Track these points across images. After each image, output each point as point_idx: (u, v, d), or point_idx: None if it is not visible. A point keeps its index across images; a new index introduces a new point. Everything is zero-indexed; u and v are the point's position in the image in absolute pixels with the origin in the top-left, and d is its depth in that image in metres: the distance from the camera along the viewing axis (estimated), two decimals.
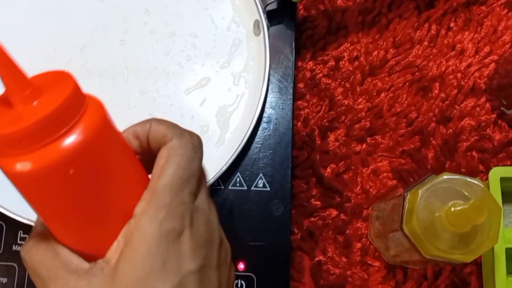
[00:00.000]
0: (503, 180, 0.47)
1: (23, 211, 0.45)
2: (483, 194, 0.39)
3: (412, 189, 0.43)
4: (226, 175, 0.49)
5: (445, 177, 0.41)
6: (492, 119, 0.54)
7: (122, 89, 0.50)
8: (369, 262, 0.52)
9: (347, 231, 0.53)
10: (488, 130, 0.54)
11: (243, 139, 0.47)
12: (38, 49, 0.51)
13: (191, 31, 0.51)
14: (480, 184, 0.41)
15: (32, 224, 0.33)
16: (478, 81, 0.55)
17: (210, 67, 0.50)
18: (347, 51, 0.57)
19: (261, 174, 0.49)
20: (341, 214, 0.53)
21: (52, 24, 0.51)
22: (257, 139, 0.49)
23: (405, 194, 0.43)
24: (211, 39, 0.51)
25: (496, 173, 0.47)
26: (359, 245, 0.53)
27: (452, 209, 0.40)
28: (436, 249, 0.40)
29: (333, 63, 0.56)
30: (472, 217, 0.38)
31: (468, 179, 0.41)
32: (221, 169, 0.46)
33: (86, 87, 0.50)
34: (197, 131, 0.49)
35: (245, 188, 0.49)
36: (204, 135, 0.49)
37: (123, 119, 0.49)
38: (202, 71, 0.50)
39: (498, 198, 0.47)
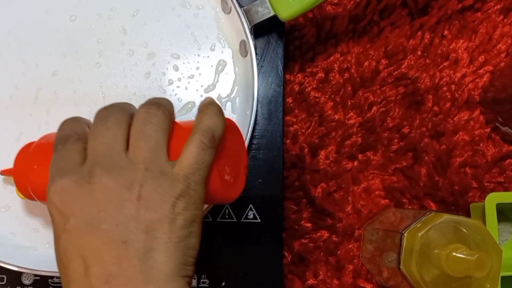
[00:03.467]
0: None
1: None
2: (487, 245, 0.38)
3: (410, 227, 0.42)
4: (215, 207, 0.46)
5: (446, 217, 0.40)
6: (486, 133, 0.53)
7: None
8: (361, 285, 0.51)
9: (338, 252, 0.52)
10: (481, 144, 0.53)
11: None
12: (4, 75, 0.46)
13: (172, 52, 0.47)
14: (482, 227, 0.40)
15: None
16: (472, 93, 0.53)
17: (194, 91, 0.47)
18: (337, 62, 0.54)
19: (251, 205, 0.47)
20: (333, 236, 0.52)
21: (17, 47, 0.47)
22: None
23: (403, 232, 0.42)
24: (194, 60, 0.47)
25: (492, 199, 0.46)
26: (351, 267, 0.52)
27: (454, 253, 0.39)
28: None
29: (323, 75, 0.54)
30: (474, 269, 0.37)
31: (470, 221, 0.40)
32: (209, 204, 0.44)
33: (60, 116, 0.46)
34: None
35: (235, 220, 0.47)
36: None
37: None
38: (185, 96, 0.47)
39: (494, 223, 0.46)
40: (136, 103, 0.46)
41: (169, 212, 0.29)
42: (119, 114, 0.32)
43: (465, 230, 0.40)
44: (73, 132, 0.33)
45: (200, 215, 0.31)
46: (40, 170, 0.36)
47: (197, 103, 0.47)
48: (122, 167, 0.30)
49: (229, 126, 0.35)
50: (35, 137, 0.46)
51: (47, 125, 0.46)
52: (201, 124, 0.32)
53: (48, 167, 0.32)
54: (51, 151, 0.33)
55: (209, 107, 0.33)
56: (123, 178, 0.29)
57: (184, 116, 0.47)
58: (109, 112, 0.32)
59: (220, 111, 0.33)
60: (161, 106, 0.32)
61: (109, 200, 0.29)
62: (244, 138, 0.38)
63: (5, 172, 0.43)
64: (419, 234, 0.40)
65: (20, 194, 0.41)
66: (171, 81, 0.47)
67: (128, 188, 0.29)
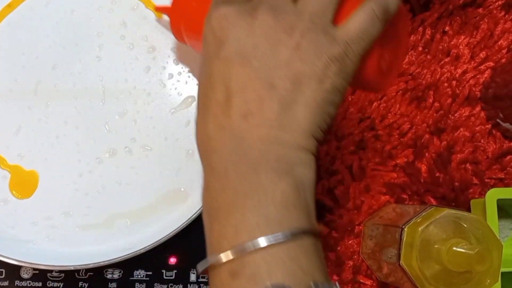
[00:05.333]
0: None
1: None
2: (488, 240, 0.38)
3: (410, 222, 0.41)
4: None
5: (446, 212, 0.40)
6: (487, 129, 0.53)
7: (99, 111, 0.46)
8: (361, 281, 0.51)
9: (338, 248, 0.52)
10: (482, 141, 0.53)
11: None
12: (4, 67, 0.46)
13: (173, 45, 0.47)
14: (483, 221, 0.39)
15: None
16: (473, 89, 0.53)
17: (194, 85, 0.47)
18: None
19: None
20: (333, 231, 0.52)
21: (17, 39, 0.47)
22: None
23: (403, 227, 0.42)
24: (195, 54, 0.47)
25: (493, 194, 0.46)
26: (351, 263, 0.51)
27: (454, 248, 0.38)
28: (435, 287, 0.39)
29: None
30: (474, 264, 0.37)
31: (470, 215, 0.40)
32: None
33: (59, 110, 0.46)
34: (182, 156, 0.46)
35: None
36: (190, 159, 0.46)
37: (102, 143, 0.46)
38: (186, 90, 0.47)
39: (495, 219, 0.46)
40: (137, 97, 0.46)
41: (321, 71, 0.28)
42: None
43: (465, 225, 0.40)
44: None
45: (346, 87, 0.30)
46: (198, 6, 0.36)
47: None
48: (287, 12, 0.29)
49: (400, 8, 0.32)
50: (34, 130, 0.46)
51: (46, 118, 0.46)
52: None
53: (206, 4, 0.31)
54: None
55: None
56: (286, 22, 0.28)
57: (184, 110, 0.46)
58: None
59: None
60: None
61: (267, 39, 0.28)
62: (409, 26, 0.36)
63: (160, 9, 0.43)
64: (420, 229, 0.40)
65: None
66: (171, 75, 0.47)
67: (288, 33, 0.28)
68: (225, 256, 0.26)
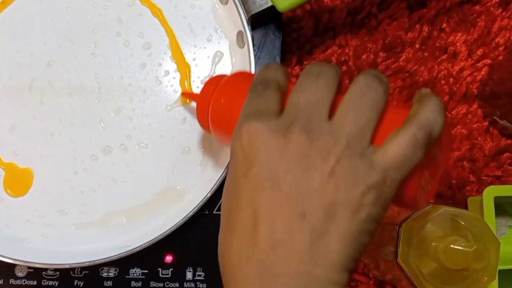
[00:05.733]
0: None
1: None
2: (485, 237, 0.38)
3: (408, 220, 0.41)
4: (210, 199, 0.46)
5: (443, 209, 0.40)
6: (484, 127, 0.53)
7: (94, 109, 0.46)
8: (358, 279, 0.51)
9: None
10: (479, 138, 0.53)
11: (229, 162, 0.44)
12: None
13: (169, 42, 0.47)
14: (480, 219, 0.39)
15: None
16: (470, 86, 0.53)
17: (190, 82, 0.46)
18: (335, 54, 0.53)
19: None
20: None
21: (12, 36, 0.46)
22: None
23: (400, 225, 0.41)
24: (191, 51, 0.47)
25: (490, 192, 0.46)
26: None
27: (451, 246, 0.38)
28: (433, 285, 0.39)
29: None
30: (472, 261, 0.37)
31: (467, 213, 0.40)
32: (205, 196, 0.44)
33: (54, 107, 0.46)
34: (178, 153, 0.46)
35: None
36: (186, 157, 0.46)
37: (97, 141, 0.46)
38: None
39: (492, 216, 0.46)
40: (132, 94, 0.46)
41: (357, 200, 0.26)
42: (332, 76, 0.29)
43: (462, 223, 0.40)
44: (275, 79, 0.30)
45: (383, 215, 0.28)
46: (226, 105, 0.34)
47: None
48: (322, 133, 0.27)
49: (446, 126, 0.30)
50: (29, 127, 0.46)
51: (41, 116, 0.46)
52: (419, 116, 0.28)
53: (235, 106, 0.30)
54: (243, 91, 0.31)
55: (433, 99, 0.29)
56: (320, 145, 0.27)
57: (180, 107, 0.46)
58: (322, 69, 0.29)
59: (443, 106, 0.29)
60: (383, 83, 0.28)
61: (299, 164, 0.27)
62: (452, 140, 0.33)
63: (187, 95, 0.43)
64: (417, 227, 0.40)
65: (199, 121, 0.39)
66: (167, 72, 0.46)
67: (322, 158, 0.26)
68: None
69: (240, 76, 0.36)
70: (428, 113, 0.28)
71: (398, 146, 0.27)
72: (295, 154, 0.27)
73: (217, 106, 0.35)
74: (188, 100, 0.45)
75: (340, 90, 0.30)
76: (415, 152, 0.27)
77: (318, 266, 0.26)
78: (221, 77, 0.37)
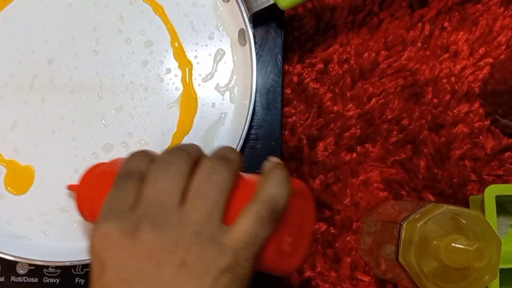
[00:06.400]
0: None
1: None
2: (486, 236, 0.38)
3: (409, 218, 0.41)
4: None
5: (445, 208, 0.40)
6: (486, 126, 0.53)
7: (95, 106, 0.46)
8: (359, 277, 0.51)
9: (336, 244, 0.51)
10: (481, 137, 0.52)
11: None
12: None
13: (170, 40, 0.47)
14: (481, 218, 0.39)
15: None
16: (472, 85, 0.53)
17: (192, 80, 0.46)
18: (337, 53, 0.53)
19: None
20: (331, 228, 0.51)
21: (13, 33, 0.46)
22: (244, 158, 0.46)
23: (402, 223, 0.41)
24: (192, 49, 0.47)
25: (492, 191, 0.46)
26: (348, 259, 0.51)
27: (452, 244, 0.38)
28: (433, 284, 0.39)
29: (322, 66, 0.53)
30: (473, 260, 0.37)
31: (469, 212, 0.40)
32: None
33: (55, 104, 0.46)
34: None
35: None
36: None
37: (98, 138, 0.45)
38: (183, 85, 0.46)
39: (494, 215, 0.46)
40: (133, 92, 0.46)
41: (211, 286, 0.27)
42: (183, 162, 0.29)
43: (464, 221, 0.40)
44: (137, 169, 0.31)
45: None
46: (98, 199, 0.34)
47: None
48: (171, 225, 0.28)
49: (298, 191, 0.31)
50: (30, 125, 0.45)
51: (42, 113, 0.46)
52: (263, 192, 0.29)
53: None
54: (112, 182, 0.31)
55: (275, 171, 0.30)
56: (169, 238, 0.27)
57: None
58: (173, 158, 0.30)
59: (286, 178, 0.30)
60: (229, 163, 0.29)
61: (149, 260, 0.27)
62: (314, 204, 0.34)
63: (72, 188, 0.41)
64: (418, 225, 0.40)
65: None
66: (168, 70, 0.46)
67: (171, 251, 0.27)
68: None
69: (114, 165, 0.36)
70: (270, 188, 0.29)
71: (245, 226, 0.28)
72: (144, 251, 0.27)
73: (90, 200, 0.35)
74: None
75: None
76: (262, 229, 0.28)
77: None
78: (98, 166, 0.38)
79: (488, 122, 0.53)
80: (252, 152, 0.47)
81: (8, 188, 0.45)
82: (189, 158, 0.30)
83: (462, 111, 0.53)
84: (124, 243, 0.27)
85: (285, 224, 0.30)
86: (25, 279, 0.46)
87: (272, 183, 0.29)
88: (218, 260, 0.27)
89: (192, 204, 0.28)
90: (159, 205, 0.28)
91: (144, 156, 0.32)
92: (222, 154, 0.30)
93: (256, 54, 0.45)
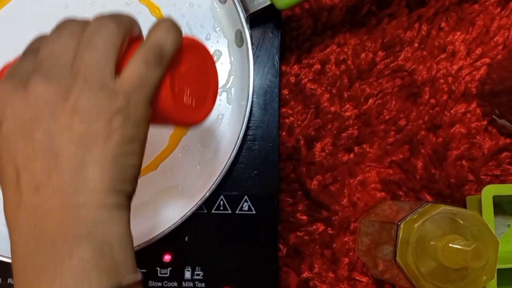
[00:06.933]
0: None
1: None
2: (484, 236, 0.38)
3: (406, 219, 0.41)
4: (209, 198, 0.46)
5: (442, 208, 0.40)
6: (483, 126, 0.53)
7: None
8: (357, 278, 0.51)
9: (334, 245, 0.51)
10: (478, 137, 0.53)
11: (228, 161, 0.44)
12: None
13: None
14: (479, 218, 0.39)
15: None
16: (469, 85, 0.53)
17: None
18: (334, 53, 0.53)
19: (246, 197, 0.46)
20: (328, 228, 0.51)
21: (9, 34, 0.46)
22: (241, 159, 0.46)
23: (399, 223, 0.41)
24: None
25: (489, 191, 0.46)
26: (346, 260, 0.51)
27: (450, 244, 0.38)
28: (431, 284, 0.39)
29: (319, 67, 0.53)
30: (470, 260, 0.37)
31: (466, 212, 0.40)
32: (204, 195, 0.43)
33: None
34: (177, 152, 0.46)
35: (229, 211, 0.46)
36: (185, 156, 0.46)
37: None
38: None
39: (491, 215, 0.46)
40: None
41: (104, 127, 0.28)
42: (75, 26, 0.30)
43: (461, 221, 0.40)
44: (41, 42, 0.31)
45: (142, 134, 0.30)
46: None
47: None
48: (62, 77, 0.28)
49: (191, 45, 0.33)
50: None
51: None
52: (149, 39, 0.30)
53: None
54: None
55: (161, 22, 0.31)
56: (60, 87, 0.28)
57: None
58: (66, 24, 0.30)
59: (173, 26, 0.31)
60: (116, 20, 0.30)
61: (43, 109, 0.28)
62: (214, 60, 0.35)
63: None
64: (416, 225, 0.40)
65: None
66: None
67: (63, 97, 0.28)
68: None
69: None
70: (156, 34, 0.30)
71: (133, 69, 0.29)
72: (38, 101, 0.28)
73: None
74: None
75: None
76: (150, 70, 0.29)
77: (82, 194, 0.27)
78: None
79: (485, 122, 0.53)
80: (250, 153, 0.46)
81: None
82: (79, 25, 0.30)
83: (460, 111, 0.53)
84: (18, 95, 0.28)
85: (179, 72, 0.31)
86: None
87: (158, 30, 0.30)
88: (109, 104, 0.28)
89: (81, 56, 0.29)
90: (52, 62, 0.29)
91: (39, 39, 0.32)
92: (111, 13, 0.31)
93: (253, 55, 0.45)
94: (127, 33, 0.30)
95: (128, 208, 0.30)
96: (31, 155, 0.28)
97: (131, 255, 0.29)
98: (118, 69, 0.29)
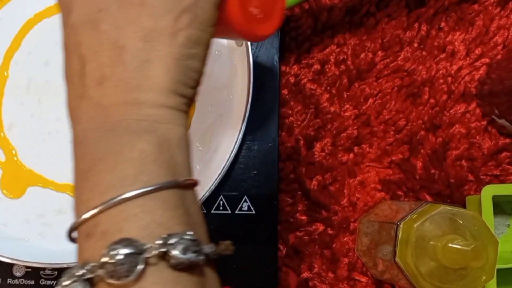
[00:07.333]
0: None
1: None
2: (483, 236, 0.38)
3: (406, 218, 0.41)
4: (208, 198, 0.46)
5: (442, 208, 0.40)
6: (482, 126, 0.53)
7: None
8: (356, 278, 0.51)
9: (334, 245, 0.51)
10: (477, 137, 0.53)
11: (227, 161, 0.44)
12: None
13: None
14: (478, 218, 0.39)
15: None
16: (469, 85, 0.53)
17: None
18: (333, 53, 0.53)
19: (245, 197, 0.46)
20: (328, 229, 0.51)
21: (9, 35, 0.46)
22: (240, 159, 0.46)
23: (399, 223, 0.41)
24: None
25: (489, 191, 0.46)
26: (346, 260, 0.51)
27: (450, 244, 0.38)
28: (431, 284, 0.39)
29: (319, 67, 0.53)
30: (470, 260, 0.37)
31: (466, 212, 0.40)
32: (204, 195, 0.43)
33: (52, 106, 0.46)
34: None
35: (229, 211, 0.46)
36: None
37: None
38: None
39: (490, 215, 0.46)
40: None
41: (171, 25, 0.27)
42: None
43: (461, 221, 0.40)
44: None
45: (207, 38, 0.29)
46: None
47: None
48: None
49: None
50: (27, 126, 0.45)
51: (39, 115, 0.46)
52: None
53: None
54: None
55: None
56: None
57: None
58: None
59: None
60: None
61: (111, 1, 0.27)
62: None
63: None
64: (415, 225, 0.40)
65: None
66: None
67: None
68: (80, 221, 0.26)
69: None
70: None
71: None
72: None
73: None
74: None
75: None
76: None
77: (144, 91, 0.27)
78: None
79: (485, 122, 0.53)
80: (249, 153, 0.46)
81: (4, 191, 0.45)
82: None
83: (459, 111, 0.53)
84: None
85: None
86: (22, 281, 0.46)
87: None
88: (178, 1, 0.28)
89: None
90: None
91: None
92: None
93: (253, 55, 0.45)
94: None
95: (186, 115, 0.29)
96: (97, 47, 0.27)
97: (188, 159, 0.28)
98: None
